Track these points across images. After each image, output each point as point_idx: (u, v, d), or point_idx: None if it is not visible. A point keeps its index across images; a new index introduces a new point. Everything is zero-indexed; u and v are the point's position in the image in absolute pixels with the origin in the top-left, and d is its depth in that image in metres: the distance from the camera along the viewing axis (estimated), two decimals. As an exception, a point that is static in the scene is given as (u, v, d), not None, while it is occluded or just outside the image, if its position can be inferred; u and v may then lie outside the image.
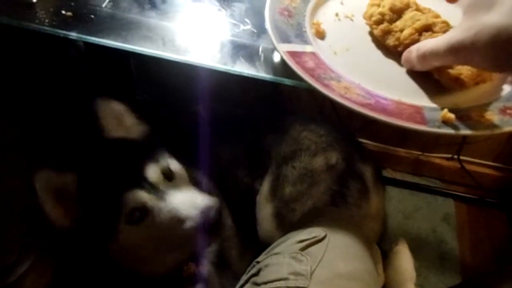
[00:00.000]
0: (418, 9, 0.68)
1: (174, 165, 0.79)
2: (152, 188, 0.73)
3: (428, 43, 0.59)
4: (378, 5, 0.69)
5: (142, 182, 0.73)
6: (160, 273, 0.77)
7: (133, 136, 0.80)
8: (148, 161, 0.76)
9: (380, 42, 0.69)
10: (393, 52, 0.67)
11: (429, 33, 0.64)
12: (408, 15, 0.67)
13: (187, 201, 0.72)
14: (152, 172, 0.75)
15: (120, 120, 0.79)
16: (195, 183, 0.82)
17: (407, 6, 0.68)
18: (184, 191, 0.75)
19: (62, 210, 0.71)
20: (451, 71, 0.61)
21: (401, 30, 0.66)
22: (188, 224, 0.70)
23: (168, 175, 0.77)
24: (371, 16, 0.68)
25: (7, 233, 0.77)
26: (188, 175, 0.82)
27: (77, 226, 0.73)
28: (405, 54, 0.64)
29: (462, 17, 0.54)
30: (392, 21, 0.67)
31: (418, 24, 0.65)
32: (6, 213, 0.77)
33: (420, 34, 0.65)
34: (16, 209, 0.79)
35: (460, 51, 0.53)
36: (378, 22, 0.68)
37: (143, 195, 0.72)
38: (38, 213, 0.77)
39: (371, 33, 0.71)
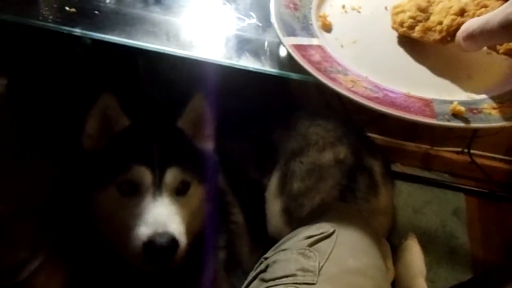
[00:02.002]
0: (440, 1, 0.66)
1: (194, 188, 0.76)
2: (159, 181, 0.71)
3: (476, 22, 0.56)
4: (403, 11, 0.67)
5: (157, 169, 0.72)
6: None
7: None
8: (180, 164, 0.74)
9: (386, 34, 0.68)
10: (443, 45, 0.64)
11: (472, 12, 0.61)
12: (438, 7, 0.65)
13: (157, 218, 0.68)
14: (174, 173, 0.73)
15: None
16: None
17: (430, 2, 0.66)
18: (170, 210, 0.70)
19: (97, 132, 0.76)
20: None
21: (440, 23, 0.63)
22: (137, 235, 0.67)
23: (182, 189, 0.74)
24: (402, 23, 0.66)
25: (18, 230, 0.78)
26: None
27: (92, 156, 0.76)
28: (456, 38, 0.61)
29: None
30: (425, 19, 0.65)
31: (454, 10, 0.62)
32: (17, 211, 0.78)
33: (462, 16, 0.62)
34: (27, 207, 0.79)
35: None
36: (412, 27, 0.65)
37: (147, 177, 0.71)
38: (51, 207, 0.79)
39: (379, 25, 0.69)
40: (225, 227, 0.88)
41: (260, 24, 0.72)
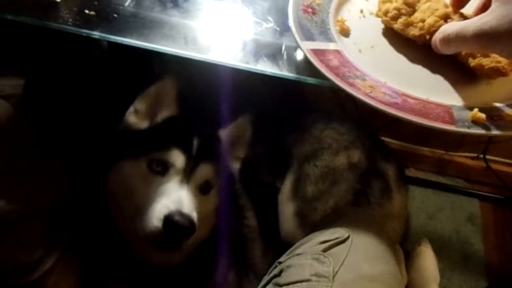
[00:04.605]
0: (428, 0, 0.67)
1: (212, 194, 0.78)
2: (190, 171, 0.73)
3: (454, 26, 0.57)
4: (390, 1, 0.68)
5: (192, 159, 0.74)
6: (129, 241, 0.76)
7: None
8: (212, 165, 0.77)
9: (404, 38, 0.68)
10: (418, 44, 0.66)
11: (456, 20, 0.63)
12: (424, 6, 0.66)
13: (182, 199, 0.70)
14: (204, 169, 0.76)
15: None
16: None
17: None
18: (193, 200, 0.72)
19: (145, 110, 0.79)
20: (484, 61, 0.60)
21: (422, 21, 0.64)
22: (160, 209, 0.68)
23: (204, 189, 0.76)
24: (387, 12, 0.67)
25: (32, 230, 0.78)
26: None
27: (127, 132, 0.78)
28: (433, 38, 0.63)
29: (493, 4, 0.51)
30: (409, 14, 0.66)
31: (439, 13, 0.64)
32: (31, 211, 0.78)
33: (445, 21, 0.63)
34: (41, 207, 0.79)
35: (491, 39, 0.51)
36: (395, 18, 0.66)
37: (181, 163, 0.73)
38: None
39: (394, 30, 0.69)
40: (238, 231, 0.89)
41: (278, 29, 0.72)
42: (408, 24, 0.65)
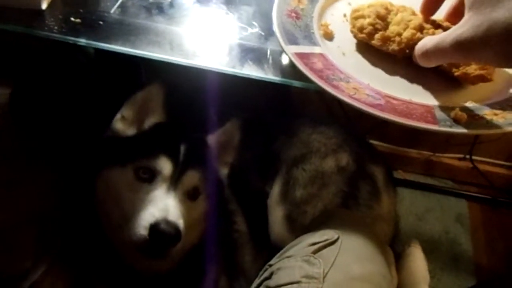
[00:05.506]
0: (397, 10, 0.68)
1: (201, 200, 0.78)
2: (177, 178, 0.73)
3: (431, 41, 0.58)
4: (362, 17, 0.67)
5: (179, 166, 0.74)
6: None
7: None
8: (199, 171, 0.77)
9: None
10: (400, 57, 0.66)
11: (431, 30, 0.64)
12: (396, 18, 0.66)
13: (169, 207, 0.70)
14: (192, 175, 0.76)
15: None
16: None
17: (388, 10, 0.67)
18: (179, 208, 0.72)
19: (132, 117, 0.79)
20: (469, 69, 0.61)
21: (399, 35, 0.64)
22: (146, 217, 0.68)
23: (192, 195, 0.76)
24: (362, 29, 0.67)
25: (21, 240, 0.78)
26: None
27: (113, 139, 0.78)
28: (413, 53, 0.63)
29: (467, 14, 0.52)
30: (384, 28, 0.66)
31: (413, 24, 0.64)
32: (21, 220, 0.78)
33: (421, 32, 0.64)
34: (30, 216, 0.79)
35: (469, 49, 0.51)
36: (371, 34, 0.66)
37: (168, 170, 0.73)
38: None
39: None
40: (228, 236, 0.89)
41: (263, 33, 0.73)
42: (386, 39, 0.65)
